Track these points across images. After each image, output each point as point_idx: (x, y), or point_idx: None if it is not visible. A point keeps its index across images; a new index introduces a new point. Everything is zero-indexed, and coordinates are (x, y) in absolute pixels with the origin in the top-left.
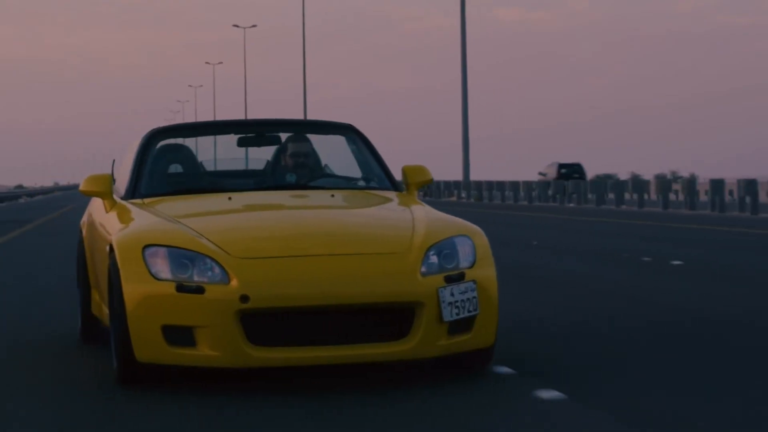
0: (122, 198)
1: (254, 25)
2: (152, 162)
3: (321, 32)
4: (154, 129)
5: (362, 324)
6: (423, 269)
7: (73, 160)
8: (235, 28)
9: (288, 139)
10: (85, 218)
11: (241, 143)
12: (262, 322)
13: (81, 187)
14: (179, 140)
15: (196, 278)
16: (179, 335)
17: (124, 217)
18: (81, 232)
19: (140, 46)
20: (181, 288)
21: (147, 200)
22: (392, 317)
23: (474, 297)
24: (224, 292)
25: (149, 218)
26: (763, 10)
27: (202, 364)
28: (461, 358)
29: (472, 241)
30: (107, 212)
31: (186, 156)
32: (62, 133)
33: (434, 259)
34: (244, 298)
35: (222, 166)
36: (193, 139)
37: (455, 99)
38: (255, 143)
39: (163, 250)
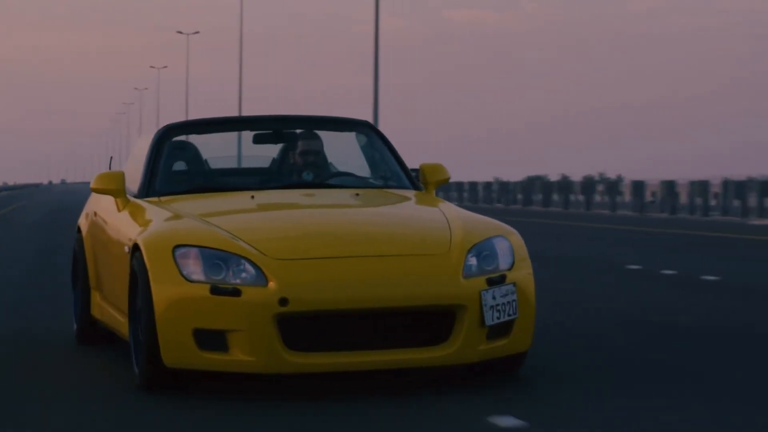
0: (135, 197)
1: (197, 32)
2: (165, 159)
3: (264, 35)
4: (167, 125)
5: (402, 328)
6: (465, 271)
7: (18, 159)
8: (179, 34)
9: (298, 137)
10: (84, 218)
11: (258, 140)
12: (299, 326)
13: (92, 185)
14: (182, 137)
15: (231, 280)
16: (211, 339)
17: (144, 216)
18: (79, 232)
19: (88, 49)
20: (215, 290)
21: (164, 199)
22: (433, 321)
23: (514, 300)
24: (262, 294)
25: (175, 218)
26: (715, 12)
27: (235, 369)
28: (494, 362)
29: (510, 241)
30: (120, 211)
31: (192, 154)
32: (7, 133)
33: (474, 260)
34: (283, 301)
35: (220, 164)
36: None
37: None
38: (271, 140)
39: (194, 250)
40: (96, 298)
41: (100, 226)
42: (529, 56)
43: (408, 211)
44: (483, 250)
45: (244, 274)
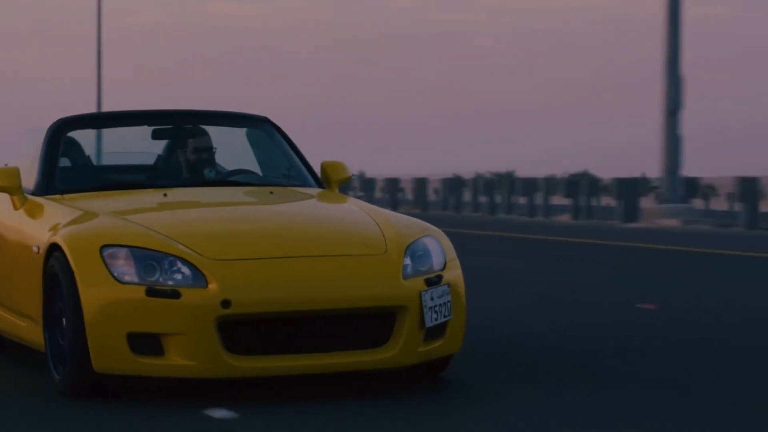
0: (32, 194)
1: None
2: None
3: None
4: (61, 119)
5: (345, 330)
6: (403, 272)
7: None
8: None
9: (188, 133)
10: None
11: (156, 135)
12: (240, 329)
13: None
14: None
15: (166, 281)
16: (146, 343)
17: (52, 215)
18: None
19: None
20: (152, 292)
21: (67, 196)
22: (373, 323)
23: (448, 301)
24: (202, 296)
25: (93, 216)
26: (472, 8)
27: (173, 374)
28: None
29: (439, 241)
30: (17, 209)
31: (74, 149)
32: None
33: (409, 261)
34: (226, 303)
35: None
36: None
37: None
38: (171, 135)
39: (124, 250)
40: None
41: None
42: (292, 49)
43: (331, 211)
44: (417, 250)
45: (179, 276)
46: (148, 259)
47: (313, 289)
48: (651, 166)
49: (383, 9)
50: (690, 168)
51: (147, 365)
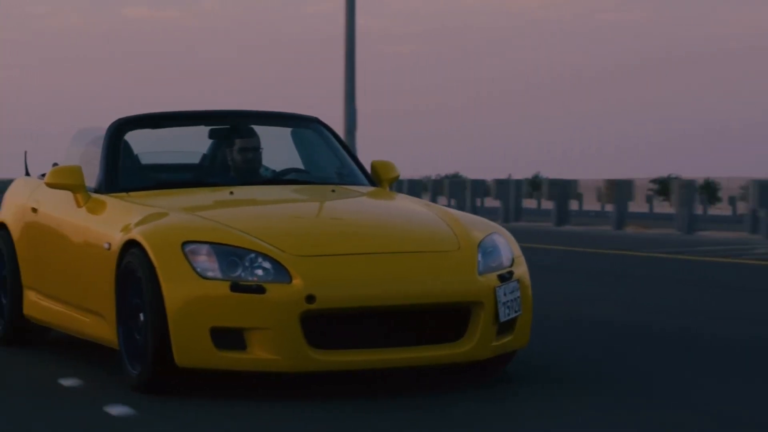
0: (95, 192)
1: None
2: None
3: None
4: (120, 119)
5: (423, 325)
6: (478, 268)
7: None
8: None
9: (235, 134)
10: (11, 214)
11: (213, 135)
12: (323, 324)
13: (47, 180)
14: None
15: (248, 277)
16: (230, 338)
17: (122, 212)
18: (4, 229)
19: None
20: (236, 287)
21: (132, 194)
22: (450, 318)
23: (518, 297)
24: (287, 292)
25: (168, 213)
26: (387, 14)
27: (257, 368)
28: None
29: (505, 239)
30: (80, 206)
31: (125, 149)
32: None
33: (483, 257)
34: (310, 299)
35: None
36: None
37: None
38: (228, 135)
39: (206, 246)
40: (31, 296)
41: (45, 222)
42: (209, 55)
43: (399, 208)
44: (487, 247)
45: (261, 271)
46: (230, 254)
47: (393, 285)
48: None
49: (293, 14)
50: None
51: (230, 359)
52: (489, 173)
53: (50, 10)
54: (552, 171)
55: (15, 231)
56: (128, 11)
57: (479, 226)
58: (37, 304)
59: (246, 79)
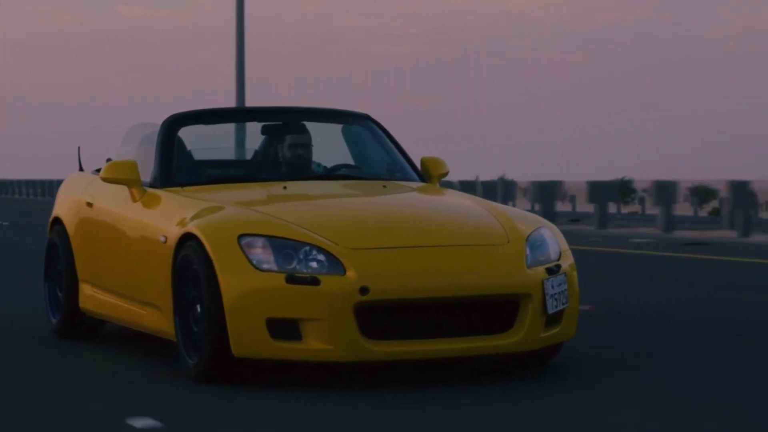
0: (150, 186)
1: None
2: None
3: None
4: (174, 115)
5: (473, 316)
6: (527, 261)
7: None
8: None
9: (287, 130)
10: (66, 208)
11: (266, 131)
12: (375, 315)
13: (103, 174)
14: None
15: (303, 269)
16: (285, 328)
17: (178, 206)
18: (58, 224)
19: None
20: (291, 279)
21: (187, 189)
22: (499, 309)
23: (565, 289)
24: (341, 283)
25: (223, 207)
26: (376, 14)
27: (311, 358)
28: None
29: (553, 233)
30: (136, 201)
31: (178, 144)
32: None
33: (531, 251)
34: (364, 290)
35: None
36: None
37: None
38: (280, 131)
39: (261, 239)
40: (87, 290)
41: (100, 217)
42: (204, 53)
43: (449, 203)
44: (535, 241)
45: (315, 264)
46: (285, 247)
47: (445, 277)
48: None
49: (288, 12)
50: None
51: (285, 349)
52: (483, 173)
53: (44, 10)
54: (551, 172)
55: (70, 225)
56: (122, 10)
57: (527, 221)
58: (92, 297)
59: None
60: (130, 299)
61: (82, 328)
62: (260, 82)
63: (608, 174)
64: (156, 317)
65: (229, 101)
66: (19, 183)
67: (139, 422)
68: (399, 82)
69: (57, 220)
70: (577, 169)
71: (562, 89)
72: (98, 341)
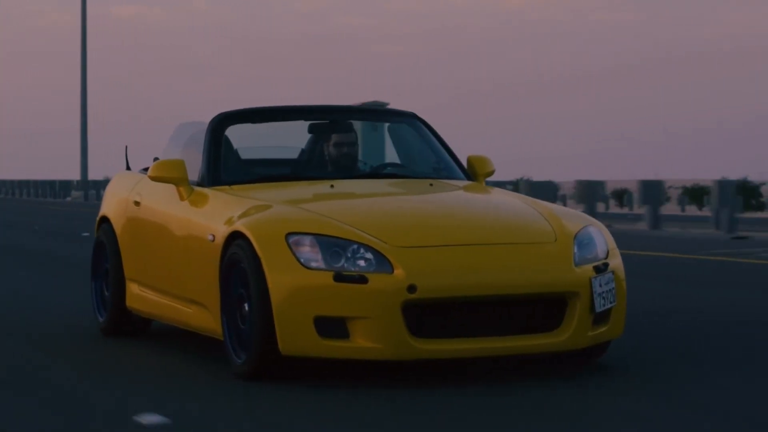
0: (197, 185)
1: None
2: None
3: None
4: (222, 113)
5: (520, 315)
6: (575, 259)
7: None
8: None
9: (333, 128)
10: (113, 207)
11: (313, 130)
12: (423, 313)
13: (151, 173)
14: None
15: (351, 267)
16: (333, 327)
17: (226, 205)
18: (105, 222)
19: None
20: (339, 277)
21: (235, 187)
22: (547, 308)
23: (613, 288)
24: (389, 281)
25: (271, 205)
26: (372, 13)
27: (359, 356)
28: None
29: (601, 231)
30: (183, 200)
31: (225, 143)
32: None
33: (579, 249)
34: (412, 288)
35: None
36: None
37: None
38: (328, 130)
39: (309, 238)
40: (134, 288)
41: (148, 215)
42: (198, 52)
43: (496, 201)
44: (583, 239)
45: (363, 262)
46: (333, 246)
47: (493, 276)
48: None
49: (281, 12)
50: None
51: (333, 348)
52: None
53: (37, 9)
54: (546, 172)
55: (117, 224)
56: (116, 10)
57: (574, 219)
58: (139, 295)
59: (234, 77)
60: (176, 298)
61: (129, 327)
62: (259, 82)
63: (602, 175)
64: (203, 316)
65: (228, 101)
66: (12, 183)
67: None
68: (397, 81)
69: (104, 219)
70: (569, 169)
71: (558, 89)
72: (144, 339)
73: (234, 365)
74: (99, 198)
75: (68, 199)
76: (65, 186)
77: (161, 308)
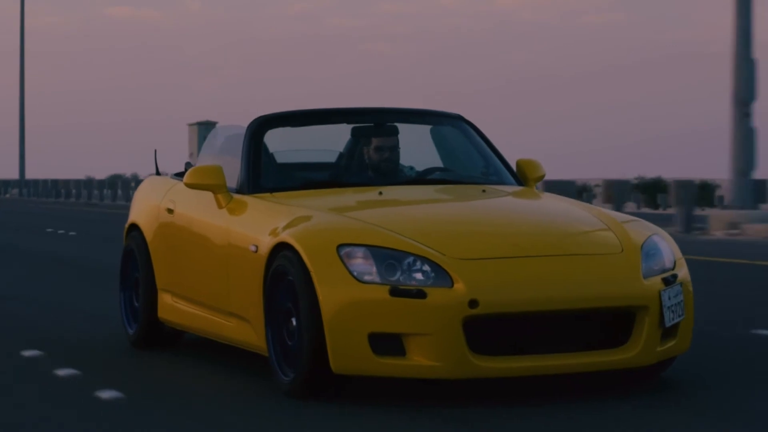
0: (236, 192)
1: None
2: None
3: None
4: (261, 117)
5: (587, 330)
6: (642, 271)
7: None
8: None
9: (373, 132)
10: (144, 215)
11: (356, 133)
12: (485, 329)
13: (187, 180)
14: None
15: (407, 281)
16: (388, 344)
17: (269, 214)
18: (135, 230)
19: None
20: (396, 292)
21: (276, 195)
22: (613, 323)
23: (681, 300)
24: (449, 296)
25: (319, 214)
26: (365, 14)
27: (417, 375)
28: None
29: (666, 240)
30: (222, 208)
31: (262, 148)
32: None
33: (645, 260)
34: (473, 303)
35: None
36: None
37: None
38: (372, 133)
39: (362, 249)
40: (166, 299)
41: (182, 223)
42: (193, 53)
43: (555, 209)
44: (649, 249)
45: (420, 275)
46: (387, 258)
47: (558, 289)
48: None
49: (275, 13)
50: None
51: (388, 366)
52: None
53: (31, 10)
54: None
55: (148, 232)
56: (111, 11)
57: (638, 227)
58: (173, 307)
59: (228, 78)
60: (214, 310)
61: (160, 339)
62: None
63: (595, 173)
64: (243, 329)
65: (224, 100)
66: (6, 183)
67: None
68: (387, 81)
69: (134, 227)
70: (565, 168)
71: (552, 88)
72: (175, 350)
73: (281, 383)
74: (34, 195)
75: (7, 195)
76: (5, 184)
77: (197, 320)
